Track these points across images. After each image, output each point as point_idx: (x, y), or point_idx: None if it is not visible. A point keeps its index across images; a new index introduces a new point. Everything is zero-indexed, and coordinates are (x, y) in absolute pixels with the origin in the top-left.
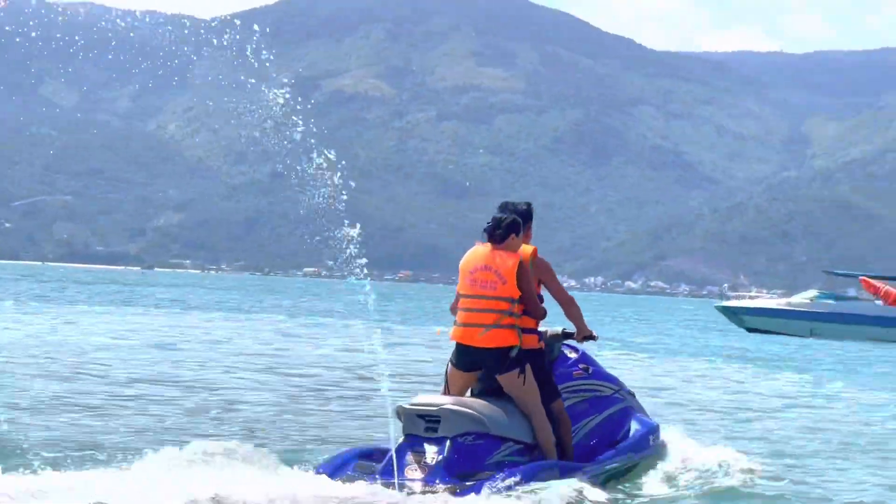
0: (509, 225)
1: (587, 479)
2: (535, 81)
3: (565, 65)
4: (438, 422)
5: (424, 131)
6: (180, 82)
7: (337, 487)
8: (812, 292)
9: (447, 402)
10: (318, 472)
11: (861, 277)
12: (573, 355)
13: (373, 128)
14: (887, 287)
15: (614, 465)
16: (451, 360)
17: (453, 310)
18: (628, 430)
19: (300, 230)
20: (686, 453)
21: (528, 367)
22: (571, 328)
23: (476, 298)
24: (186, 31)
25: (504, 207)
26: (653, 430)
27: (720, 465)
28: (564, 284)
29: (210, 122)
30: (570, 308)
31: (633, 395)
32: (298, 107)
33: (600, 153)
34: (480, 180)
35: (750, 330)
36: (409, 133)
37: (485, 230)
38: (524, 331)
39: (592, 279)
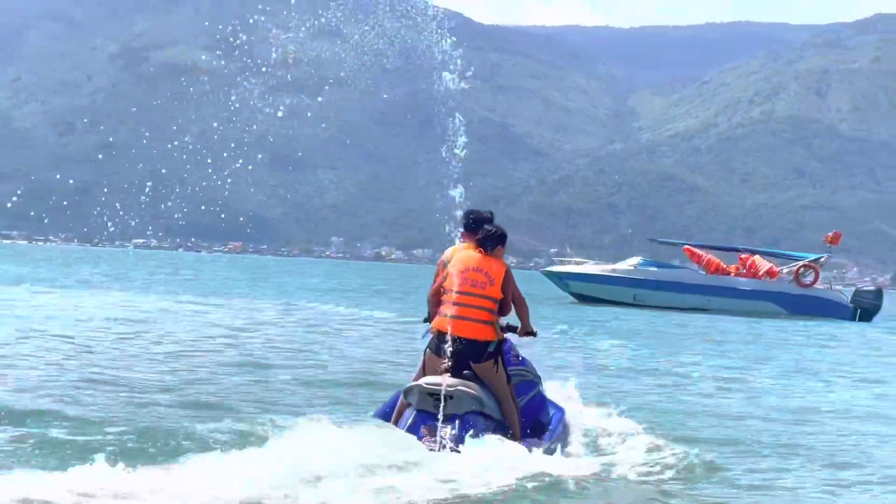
0: (498, 237)
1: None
2: (363, 55)
3: (393, 38)
4: (447, 400)
5: (255, 103)
6: (8, 52)
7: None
8: (636, 259)
9: (456, 383)
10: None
11: (685, 246)
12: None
13: (202, 99)
14: (710, 256)
15: (555, 442)
16: (429, 347)
17: (432, 299)
18: (548, 413)
19: (129, 201)
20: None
21: (500, 358)
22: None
23: (466, 295)
24: (15, 2)
25: (468, 215)
26: (564, 413)
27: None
28: (392, 256)
29: (38, 92)
30: (522, 307)
31: (541, 379)
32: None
33: (427, 126)
34: (310, 152)
35: (575, 295)
36: (239, 105)
37: (477, 240)
38: (499, 327)
39: (420, 251)
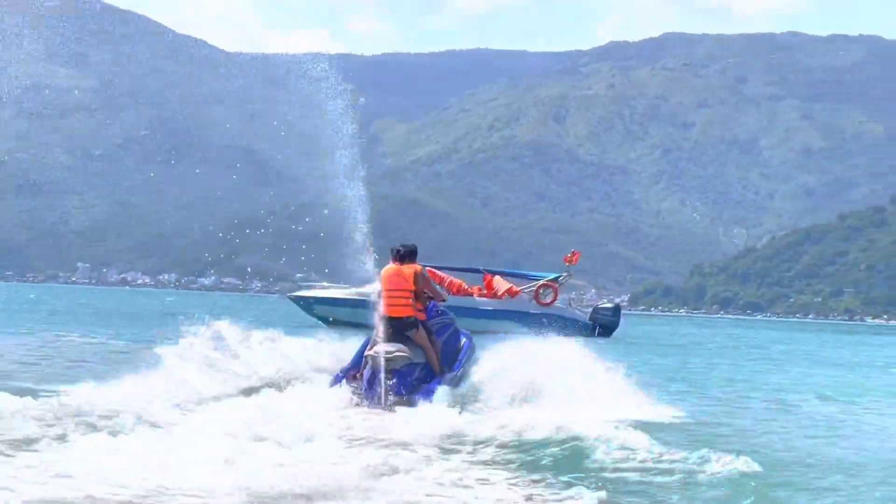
0: (406, 255)
1: (457, 383)
2: (108, 82)
3: (139, 65)
4: (388, 361)
5: None
6: None
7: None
8: None
9: (393, 350)
10: (331, 385)
11: (427, 268)
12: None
13: None
14: (451, 277)
15: (464, 367)
16: (378, 322)
17: (376, 297)
18: (460, 341)
19: None
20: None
21: (420, 325)
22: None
23: (391, 291)
24: None
25: (401, 248)
26: (471, 338)
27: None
28: (139, 281)
29: None
30: (438, 294)
31: (454, 319)
32: None
33: (174, 152)
34: (56, 179)
35: (321, 320)
36: None
37: (393, 258)
38: (419, 309)
39: (166, 276)
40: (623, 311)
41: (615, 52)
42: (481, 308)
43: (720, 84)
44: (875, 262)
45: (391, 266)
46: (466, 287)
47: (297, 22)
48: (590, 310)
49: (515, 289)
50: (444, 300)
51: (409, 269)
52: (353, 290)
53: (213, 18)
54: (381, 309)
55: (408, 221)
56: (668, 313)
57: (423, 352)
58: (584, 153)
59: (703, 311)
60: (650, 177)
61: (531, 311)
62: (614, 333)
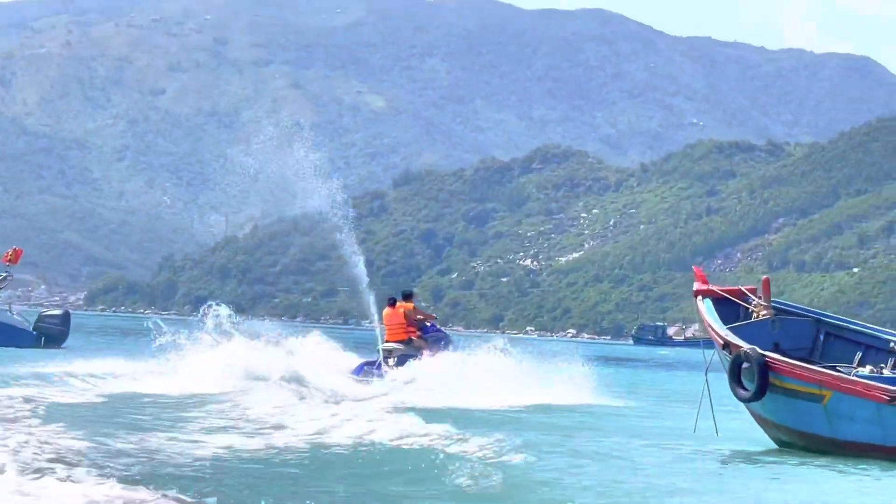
0: (397, 299)
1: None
2: None
3: None
4: (391, 352)
5: None
6: None
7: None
8: None
9: (393, 346)
10: (352, 373)
11: None
12: (428, 325)
13: None
14: None
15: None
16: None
17: (382, 330)
18: (448, 347)
19: None
20: None
21: (412, 339)
22: None
23: (391, 325)
24: None
25: (395, 297)
26: (454, 345)
27: None
28: None
29: None
30: (428, 317)
31: (447, 335)
32: None
33: None
34: None
35: None
36: None
37: (389, 304)
38: (411, 331)
39: None
40: (78, 313)
41: (73, 5)
42: None
43: (197, 45)
44: (373, 257)
45: (387, 309)
46: None
47: None
48: (38, 313)
49: None
50: (435, 318)
51: (401, 307)
52: None
53: None
54: (385, 336)
55: None
56: (132, 314)
57: (413, 348)
58: (35, 123)
59: (175, 311)
60: (112, 152)
61: None
62: (64, 344)
